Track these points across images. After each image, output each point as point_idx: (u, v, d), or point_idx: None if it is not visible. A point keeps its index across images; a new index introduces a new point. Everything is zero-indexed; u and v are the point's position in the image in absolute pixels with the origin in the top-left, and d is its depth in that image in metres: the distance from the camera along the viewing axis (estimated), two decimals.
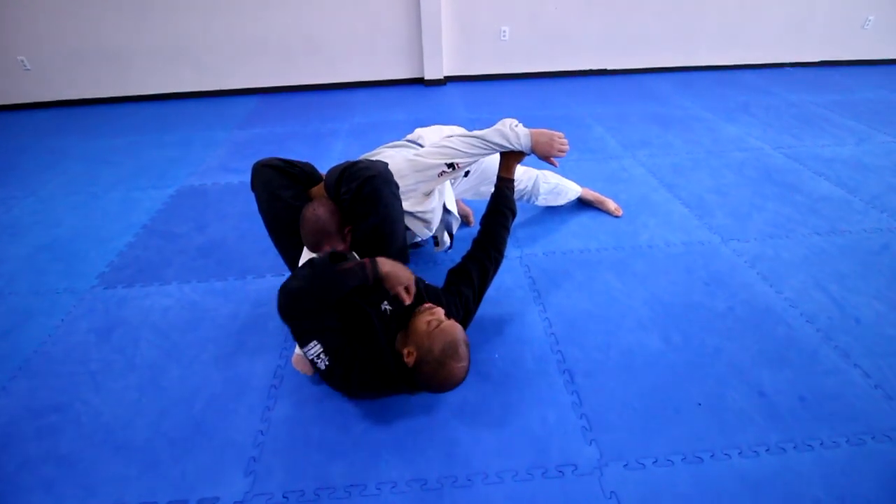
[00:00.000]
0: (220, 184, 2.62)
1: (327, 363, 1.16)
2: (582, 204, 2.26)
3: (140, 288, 1.86)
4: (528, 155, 1.47)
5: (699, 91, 3.80)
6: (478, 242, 1.42)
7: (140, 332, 1.65)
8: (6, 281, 1.92)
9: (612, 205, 2.21)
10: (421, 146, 1.66)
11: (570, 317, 1.62)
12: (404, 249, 1.45)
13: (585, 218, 2.17)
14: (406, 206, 1.46)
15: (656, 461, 1.18)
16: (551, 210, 2.22)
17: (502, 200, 1.43)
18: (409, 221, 1.51)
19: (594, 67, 4.18)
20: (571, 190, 2.16)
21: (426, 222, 1.52)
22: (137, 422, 1.34)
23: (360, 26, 3.79)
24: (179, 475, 1.20)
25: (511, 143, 1.41)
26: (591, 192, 2.25)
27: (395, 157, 1.48)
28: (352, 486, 1.15)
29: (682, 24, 4.00)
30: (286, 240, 1.51)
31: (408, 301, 1.19)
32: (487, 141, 1.40)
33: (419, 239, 1.83)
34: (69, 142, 3.29)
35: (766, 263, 1.84)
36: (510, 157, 1.45)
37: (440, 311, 1.20)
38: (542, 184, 2.01)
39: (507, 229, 1.43)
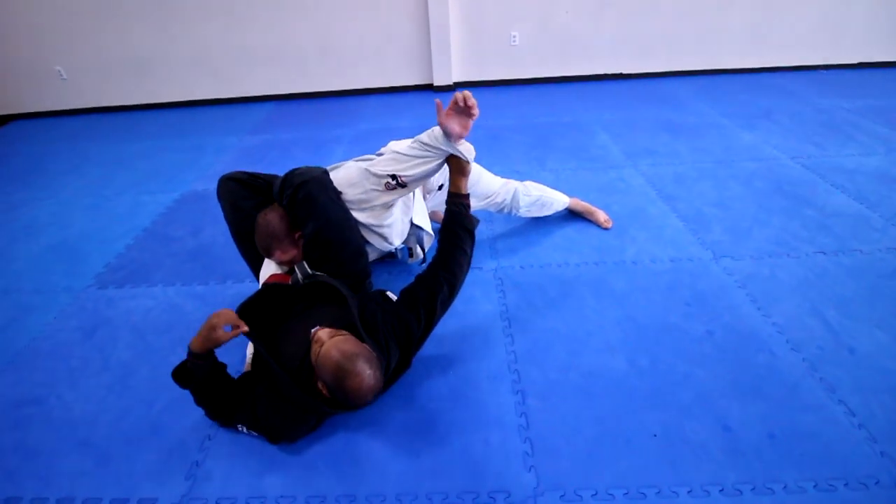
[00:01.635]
0: None
1: (255, 434, 1.25)
2: (572, 215, 2.19)
3: (129, 289, 1.95)
4: (466, 161, 1.34)
5: (720, 96, 3.60)
6: (431, 266, 1.33)
7: (120, 333, 1.73)
8: (14, 278, 2.07)
9: (602, 216, 2.13)
10: None
11: (535, 335, 1.57)
12: (357, 257, 1.42)
13: (571, 230, 2.10)
14: (362, 217, 1.46)
15: (596, 494, 1.12)
16: (537, 221, 2.16)
17: (456, 220, 1.34)
18: (367, 234, 1.50)
19: (609, 72, 4.05)
20: (557, 201, 2.09)
21: (383, 237, 1.51)
22: (101, 419, 1.40)
23: (370, 34, 3.84)
24: (127, 474, 1.25)
25: (434, 137, 1.31)
26: (581, 203, 2.17)
27: (351, 167, 1.48)
28: (282, 497, 1.16)
29: (704, 25, 3.80)
30: (249, 249, 1.54)
31: (242, 332, 1.17)
32: (421, 142, 1.33)
33: (393, 248, 1.83)
34: (94, 147, 3.50)
35: (758, 284, 1.72)
36: (454, 173, 1.37)
37: (321, 334, 1.14)
38: (522, 196, 1.95)
39: (462, 250, 1.32)
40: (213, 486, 1.20)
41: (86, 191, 2.83)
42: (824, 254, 1.85)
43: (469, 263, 1.36)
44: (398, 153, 1.38)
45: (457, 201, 1.36)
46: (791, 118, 3.12)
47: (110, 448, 1.31)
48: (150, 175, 2.97)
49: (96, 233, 2.37)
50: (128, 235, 2.31)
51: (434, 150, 1.33)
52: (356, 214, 1.46)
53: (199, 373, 1.16)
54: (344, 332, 1.17)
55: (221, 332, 1.14)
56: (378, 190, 1.41)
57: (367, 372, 1.08)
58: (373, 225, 1.47)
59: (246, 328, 1.17)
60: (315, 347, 1.13)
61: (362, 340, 1.18)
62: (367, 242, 1.55)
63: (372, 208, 1.46)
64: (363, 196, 1.42)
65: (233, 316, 1.17)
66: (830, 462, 1.16)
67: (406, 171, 1.35)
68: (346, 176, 1.43)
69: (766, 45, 3.90)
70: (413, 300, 1.29)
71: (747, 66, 4.01)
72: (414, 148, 1.35)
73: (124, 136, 3.66)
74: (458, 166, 1.35)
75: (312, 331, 1.18)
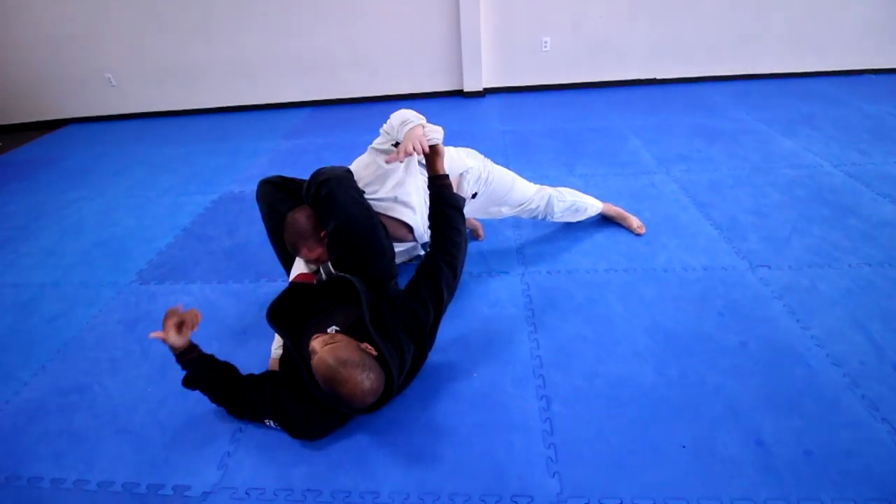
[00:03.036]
0: None
1: (278, 426, 1.29)
2: (603, 220, 2.16)
3: (169, 285, 2.04)
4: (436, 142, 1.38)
5: (759, 101, 3.48)
6: (428, 253, 1.34)
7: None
8: (63, 273, 2.20)
9: (635, 222, 2.09)
10: None
11: (561, 340, 1.55)
12: (379, 255, 1.40)
13: (601, 236, 2.07)
14: (385, 192, 1.49)
15: (620, 503, 1.10)
16: (566, 227, 2.14)
17: (441, 200, 1.34)
18: (394, 208, 1.51)
19: (642, 77, 3.98)
20: (591, 206, 2.07)
21: (409, 207, 1.51)
22: (140, 408, 1.47)
23: (402, 41, 3.91)
24: (163, 461, 1.30)
25: (392, 126, 1.40)
26: (614, 208, 2.14)
27: (364, 155, 1.56)
28: (308, 490, 1.19)
29: (743, 28, 3.70)
30: (282, 249, 1.60)
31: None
32: (384, 130, 1.45)
33: (421, 252, 1.85)
34: (139, 150, 3.69)
35: (796, 295, 1.65)
36: (429, 155, 1.37)
37: (314, 344, 1.14)
38: (556, 202, 1.93)
39: (455, 229, 1.32)
40: (243, 476, 1.24)
41: (131, 192, 2.98)
42: (869, 265, 1.77)
43: (466, 241, 1.36)
44: (387, 125, 1.48)
45: (437, 183, 1.37)
46: (834, 124, 2.99)
47: (148, 436, 1.38)
48: (191, 178, 3.10)
49: (140, 231, 2.49)
50: (169, 234, 2.42)
51: (390, 127, 1.44)
52: (380, 193, 1.49)
53: (194, 369, 1.28)
54: (341, 337, 1.17)
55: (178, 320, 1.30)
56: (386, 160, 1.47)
57: (359, 377, 1.09)
58: (399, 196, 1.49)
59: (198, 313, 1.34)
60: (312, 357, 1.13)
61: (370, 339, 1.19)
62: (399, 239, 1.58)
63: (389, 176, 1.49)
64: (379, 172, 1.48)
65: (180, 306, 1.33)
66: (871, 482, 1.10)
67: (391, 135, 1.46)
68: (361, 161, 1.52)
69: (808, 48, 3.77)
70: (418, 289, 1.29)
71: (788, 70, 3.87)
72: (388, 122, 1.46)
73: (168, 141, 3.84)
74: (432, 149, 1.37)
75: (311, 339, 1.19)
